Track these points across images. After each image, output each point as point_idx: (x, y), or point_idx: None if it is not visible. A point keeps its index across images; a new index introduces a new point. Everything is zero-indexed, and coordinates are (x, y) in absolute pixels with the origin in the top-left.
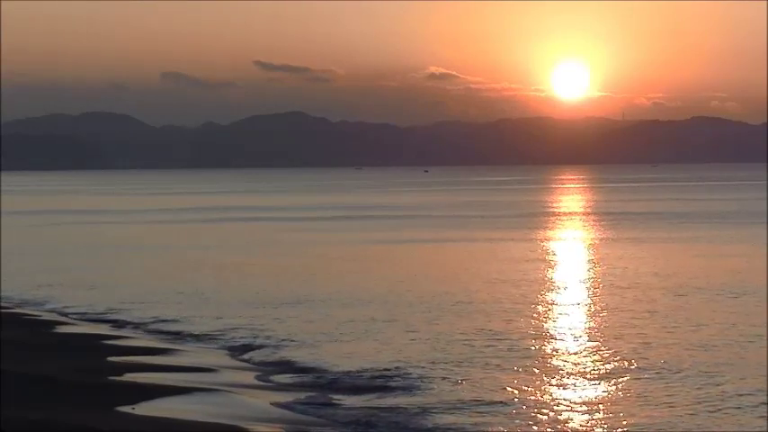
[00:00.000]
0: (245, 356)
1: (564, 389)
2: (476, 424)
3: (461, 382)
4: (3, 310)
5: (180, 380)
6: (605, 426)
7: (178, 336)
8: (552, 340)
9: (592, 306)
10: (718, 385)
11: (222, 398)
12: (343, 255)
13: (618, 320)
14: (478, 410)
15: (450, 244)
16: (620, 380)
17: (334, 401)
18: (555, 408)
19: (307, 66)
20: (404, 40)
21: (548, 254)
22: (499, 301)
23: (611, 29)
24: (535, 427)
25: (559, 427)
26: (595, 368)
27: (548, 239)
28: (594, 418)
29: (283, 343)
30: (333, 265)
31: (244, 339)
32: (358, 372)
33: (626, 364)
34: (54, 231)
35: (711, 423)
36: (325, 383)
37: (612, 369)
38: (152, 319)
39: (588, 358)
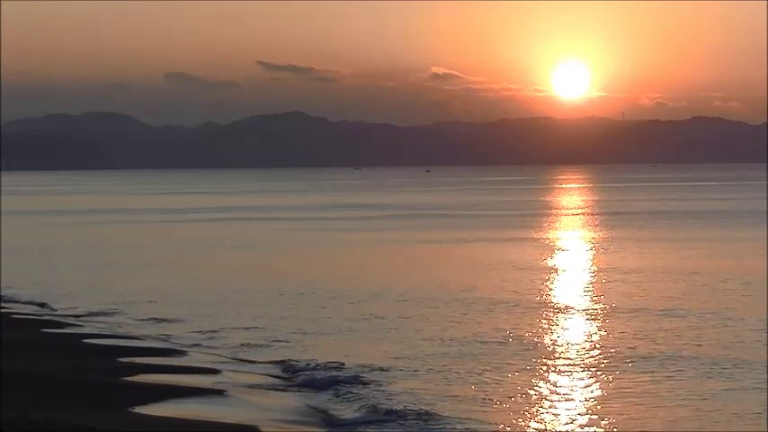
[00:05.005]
0: (249, 356)
1: (566, 388)
2: (477, 422)
3: (466, 379)
4: (3, 310)
5: (183, 381)
6: (606, 425)
7: (181, 336)
8: (555, 340)
9: (594, 306)
10: (719, 385)
11: (226, 398)
12: (342, 255)
13: (618, 320)
14: (480, 410)
15: (450, 245)
16: (621, 379)
17: (337, 401)
18: (556, 407)
19: (311, 66)
20: (408, 40)
21: (549, 253)
22: (501, 301)
23: (611, 29)
24: (535, 425)
25: (560, 425)
26: (598, 369)
27: (549, 239)
28: (596, 417)
29: (285, 343)
30: (331, 266)
31: (247, 339)
32: (362, 370)
33: (626, 363)
34: (54, 231)
35: (712, 423)
36: (328, 384)
37: (614, 369)
38: (154, 320)
39: (591, 359)
